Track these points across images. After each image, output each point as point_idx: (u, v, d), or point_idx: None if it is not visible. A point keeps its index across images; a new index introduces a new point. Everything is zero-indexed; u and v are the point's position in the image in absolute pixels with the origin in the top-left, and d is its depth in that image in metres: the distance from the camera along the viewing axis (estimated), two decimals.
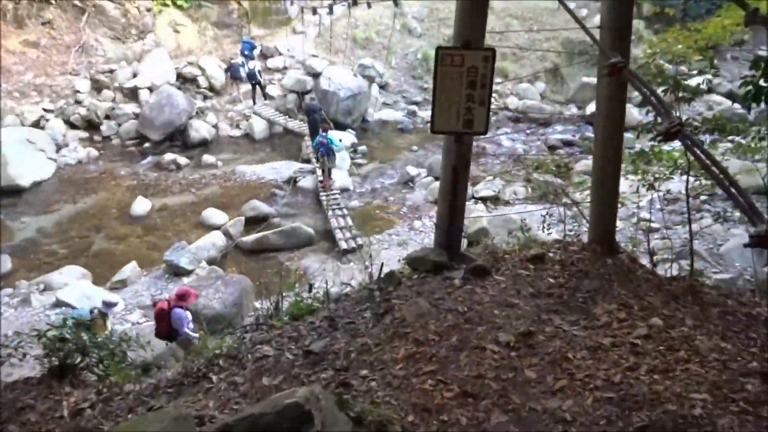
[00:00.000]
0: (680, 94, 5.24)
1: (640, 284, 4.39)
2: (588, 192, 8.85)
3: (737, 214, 12.05)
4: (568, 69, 23.57)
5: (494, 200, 14.52)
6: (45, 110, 18.05)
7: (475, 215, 12.57)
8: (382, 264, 4.70)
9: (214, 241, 11.96)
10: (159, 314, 7.20)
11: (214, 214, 13.28)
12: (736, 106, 20.31)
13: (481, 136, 4.17)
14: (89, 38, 20.71)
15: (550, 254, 4.62)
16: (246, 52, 20.53)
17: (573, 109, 21.87)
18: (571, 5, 26.26)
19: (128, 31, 21.38)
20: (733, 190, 1.86)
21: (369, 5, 10.56)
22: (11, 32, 20.11)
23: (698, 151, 2.01)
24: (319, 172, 14.92)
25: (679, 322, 3.96)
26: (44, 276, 10.85)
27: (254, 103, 19.73)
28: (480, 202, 14.09)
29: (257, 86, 19.67)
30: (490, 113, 3.97)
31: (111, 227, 13.23)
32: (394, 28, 23.10)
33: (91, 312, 7.82)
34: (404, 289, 4.13)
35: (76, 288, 10.07)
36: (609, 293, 4.13)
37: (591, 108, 20.72)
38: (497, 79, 24.27)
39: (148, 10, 21.67)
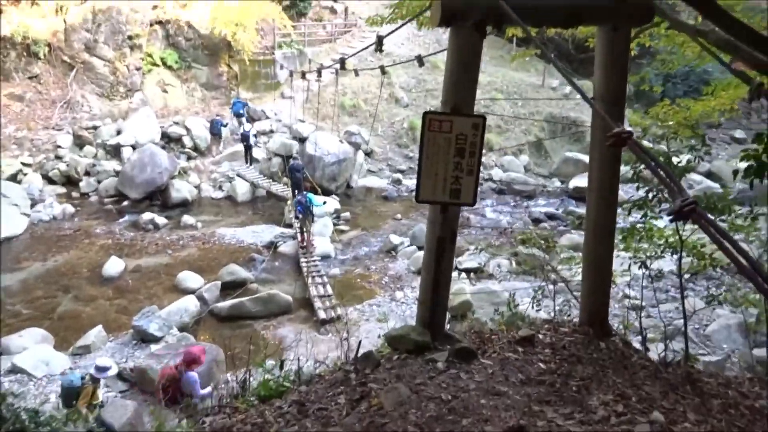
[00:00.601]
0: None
1: (636, 372, 4.07)
2: (577, 269, 8.63)
3: (726, 293, 11.92)
4: (551, 143, 23.94)
5: (478, 273, 14.24)
6: (23, 164, 17.74)
7: (459, 288, 12.24)
8: (360, 342, 4.33)
9: (187, 306, 11.46)
10: (169, 381, 6.93)
11: (189, 278, 12.82)
12: (715, 185, 20.65)
13: (466, 207, 3.97)
14: (76, 94, 20.69)
15: (540, 336, 4.30)
16: (240, 111, 20.74)
17: (556, 183, 22.02)
18: (554, 83, 26.98)
19: (116, 89, 21.42)
20: (753, 270, 1.61)
21: (356, 73, 10.61)
22: None
23: (714, 231, 1.76)
24: (297, 229, 14.72)
25: (681, 417, 3.63)
26: (3, 339, 10.21)
27: (248, 163, 19.65)
28: (464, 274, 13.79)
29: (249, 148, 19.64)
30: (477, 190, 3.73)
31: (80, 288, 12.68)
32: (381, 96, 23.42)
33: (83, 378, 7.32)
34: (383, 371, 3.76)
35: (34, 353, 9.47)
36: (604, 382, 3.80)
37: (574, 182, 20.89)
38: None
39: (138, 68, 21.81)
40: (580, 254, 9.79)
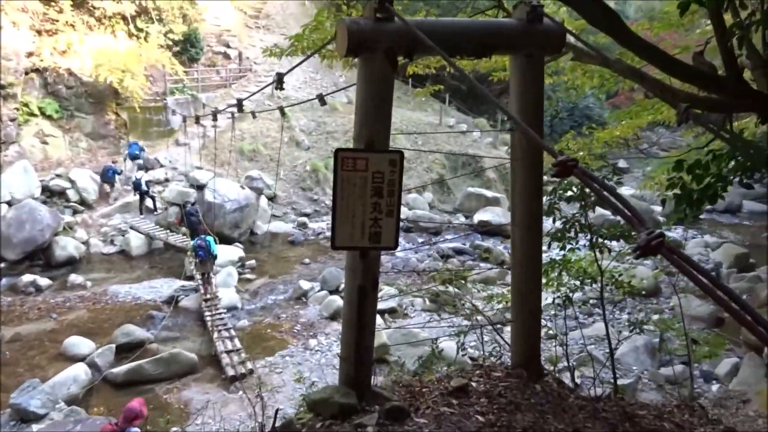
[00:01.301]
0: (583, 202, 5.05)
1: (576, 414, 3.85)
2: (498, 306, 8.52)
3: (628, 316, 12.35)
4: (453, 180, 24.41)
5: (393, 313, 13.96)
6: None
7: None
8: (277, 412, 3.84)
9: (76, 375, 10.27)
10: None
11: (78, 343, 11.60)
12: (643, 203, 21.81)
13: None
14: None
15: (473, 383, 4.00)
16: (136, 153, 19.77)
17: (461, 218, 22.38)
18: (450, 121, 27.76)
19: None
20: (727, 299, 1.43)
21: (254, 115, 10.17)
22: None
23: (684, 263, 1.55)
24: (199, 279, 13.93)
25: None
26: None
27: (142, 213, 18.80)
28: (377, 315, 13.42)
29: (144, 196, 18.74)
30: (399, 232, 3.43)
31: None
32: (282, 140, 23.04)
33: None
34: None
35: None
36: (546, 429, 3.54)
37: (478, 216, 21.32)
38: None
39: (12, 119, 20.12)
40: (497, 290, 9.72)
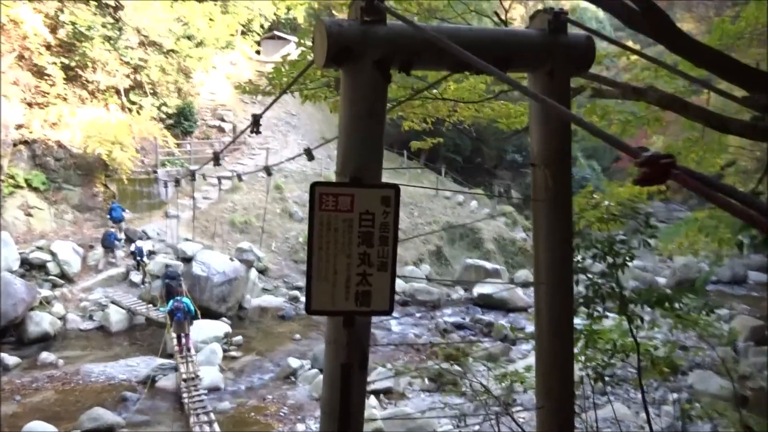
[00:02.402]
0: (612, 260, 4.31)
1: None
2: (503, 385, 7.59)
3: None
4: (451, 251, 23.74)
5: (387, 393, 12.88)
6: None
7: (368, 414, 10.79)
8: None
9: None
10: None
11: (39, 429, 10.45)
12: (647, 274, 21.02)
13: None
14: None
15: None
16: (120, 216, 19.62)
17: (460, 291, 21.50)
18: (447, 193, 27.34)
19: None
20: None
21: (240, 178, 9.65)
22: None
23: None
24: (178, 356, 13.10)
25: None
26: None
27: (144, 276, 18.22)
28: (372, 396, 12.36)
29: (141, 265, 18.20)
30: (395, 284, 2.66)
31: None
32: (275, 212, 22.49)
33: None
34: None
35: None
36: None
37: (478, 289, 20.45)
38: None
39: None
40: (511, 368, 8.78)
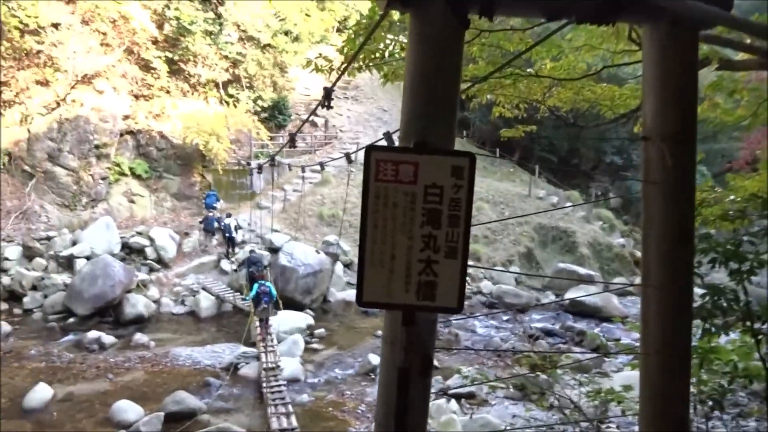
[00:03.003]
0: (737, 266, 3.60)
1: None
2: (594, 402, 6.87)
3: None
4: (543, 254, 22.70)
5: (470, 398, 12.30)
6: None
7: (448, 419, 10.32)
8: None
9: None
10: None
11: (126, 408, 10.74)
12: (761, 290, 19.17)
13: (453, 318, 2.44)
14: (33, 204, 19.33)
15: None
16: (213, 204, 20.20)
17: (550, 296, 20.46)
18: (540, 193, 26.24)
19: (78, 199, 20.16)
20: None
21: (322, 166, 9.43)
22: None
23: None
24: (261, 345, 13.12)
25: None
26: None
27: (230, 257, 18.96)
28: (453, 401, 11.83)
29: (231, 240, 19.00)
30: (465, 286, 2.19)
31: None
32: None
33: None
34: None
35: None
36: None
37: (570, 295, 19.37)
38: (468, 261, 23.10)
39: (104, 178, 20.70)
40: (606, 384, 8.01)
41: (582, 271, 21.09)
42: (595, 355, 15.49)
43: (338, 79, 3.97)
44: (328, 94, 4.07)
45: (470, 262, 2.12)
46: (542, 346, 15.82)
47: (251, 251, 17.27)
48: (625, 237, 25.67)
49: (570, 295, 19.69)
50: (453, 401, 11.89)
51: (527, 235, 22.91)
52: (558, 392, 8.95)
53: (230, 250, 19.15)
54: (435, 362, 14.15)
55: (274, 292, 13.75)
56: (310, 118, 29.47)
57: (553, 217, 23.63)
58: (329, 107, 4.05)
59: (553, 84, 5.21)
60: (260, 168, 10.52)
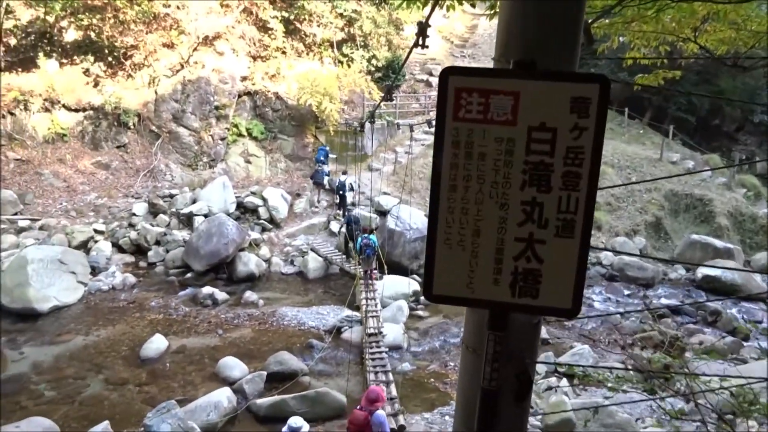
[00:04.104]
0: None
1: None
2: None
3: None
4: (673, 224, 20.67)
5: (583, 378, 11.36)
6: (96, 231, 17.09)
7: (558, 400, 9.54)
8: None
9: (219, 400, 9.50)
10: (361, 424, 7.01)
11: (232, 365, 10.98)
12: None
13: None
14: (159, 163, 20.34)
15: None
16: (322, 159, 20.13)
17: (680, 270, 18.60)
18: (673, 157, 23.85)
19: (199, 158, 20.96)
20: None
21: (429, 124, 8.78)
22: (86, 153, 20.12)
23: None
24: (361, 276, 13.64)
25: None
26: (4, 428, 8.69)
27: (342, 215, 18.88)
28: (564, 379, 10.98)
29: (343, 198, 18.96)
30: (585, 277, 1.46)
31: (114, 369, 11.16)
32: None
33: None
34: None
35: None
36: None
37: (703, 270, 17.48)
38: None
39: (222, 139, 21.31)
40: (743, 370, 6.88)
41: (719, 243, 18.94)
42: (729, 337, 13.89)
43: (431, 12, 3.30)
44: (422, 29, 3.41)
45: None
46: (668, 325, 14.40)
47: (349, 210, 17.52)
48: None
49: (704, 270, 17.75)
50: (564, 380, 11.05)
51: (656, 203, 20.91)
52: (686, 378, 7.89)
53: (341, 210, 19.09)
54: (545, 334, 13.29)
55: (376, 242, 14.14)
56: (425, 78, 28.69)
57: (688, 183, 21.38)
58: (425, 46, 3.41)
59: (708, 16, 4.16)
60: (362, 126, 10.09)
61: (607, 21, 4.20)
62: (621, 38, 4.88)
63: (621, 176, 21.79)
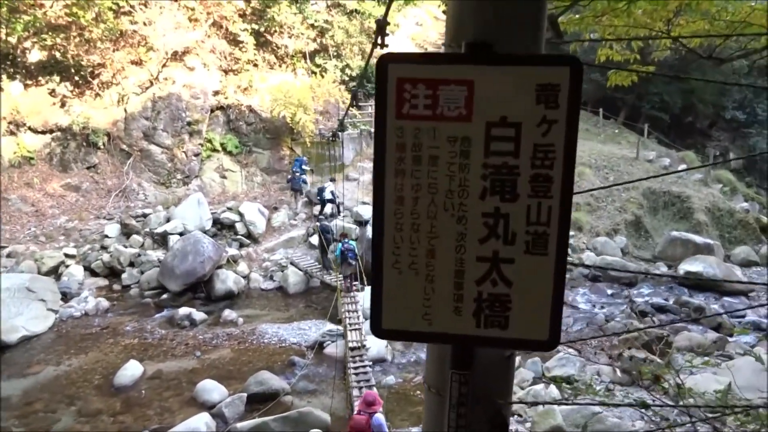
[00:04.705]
0: None
1: None
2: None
3: None
4: (653, 222, 20.70)
5: (570, 383, 11.16)
6: (67, 255, 16.60)
7: (546, 407, 9.32)
8: None
9: (197, 427, 9.12)
10: (363, 428, 7.10)
11: (211, 388, 10.59)
12: None
13: None
14: (132, 182, 19.88)
15: None
16: (298, 170, 20.02)
17: (662, 267, 18.60)
18: (649, 155, 23.97)
19: (173, 176, 20.53)
20: None
21: None
22: (55, 175, 19.59)
23: None
24: (347, 318, 12.73)
25: None
26: None
27: (320, 214, 18.89)
28: (552, 385, 10.77)
29: (323, 204, 18.90)
30: (562, 301, 1.21)
31: (86, 399, 10.71)
32: None
33: None
34: None
35: None
36: None
37: (685, 266, 17.51)
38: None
39: (196, 155, 20.93)
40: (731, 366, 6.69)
41: (698, 239, 18.98)
42: (714, 333, 13.83)
43: (388, 7, 3.06)
44: (381, 27, 3.17)
45: (571, 236, 1.20)
46: (653, 323, 14.32)
47: (320, 220, 17.66)
48: (749, 201, 22.95)
49: (685, 266, 17.75)
50: (552, 387, 10.84)
51: (635, 202, 20.93)
52: (672, 376, 7.70)
53: (321, 214, 18.91)
54: None
55: (356, 248, 14.16)
56: None
57: (665, 180, 21.43)
58: (384, 45, 3.17)
59: (680, 9, 3.99)
60: (335, 135, 9.89)
61: (576, 16, 4.03)
62: (592, 34, 4.71)
63: (599, 176, 21.80)
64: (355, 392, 10.21)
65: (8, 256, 16.20)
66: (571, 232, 19.60)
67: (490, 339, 1.19)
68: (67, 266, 16.31)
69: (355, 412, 7.50)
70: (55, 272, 15.92)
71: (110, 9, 20.00)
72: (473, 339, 1.20)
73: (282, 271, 16.96)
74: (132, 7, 20.39)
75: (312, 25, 23.37)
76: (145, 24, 20.50)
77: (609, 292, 17.04)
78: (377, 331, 1.24)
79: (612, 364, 11.79)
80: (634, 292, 17.06)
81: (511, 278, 1.16)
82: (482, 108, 1.10)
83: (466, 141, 1.12)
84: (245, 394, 10.34)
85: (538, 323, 1.17)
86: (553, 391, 10.71)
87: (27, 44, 19.90)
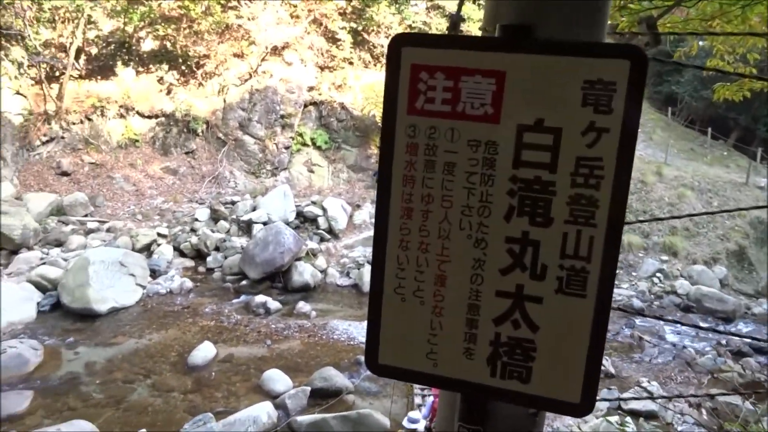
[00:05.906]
0: None
1: None
2: None
3: None
4: (759, 254, 19.08)
5: (650, 418, 10.46)
6: (159, 235, 17.41)
7: None
8: None
9: (258, 415, 9.23)
10: None
11: (276, 378, 10.71)
12: None
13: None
14: (224, 170, 20.61)
15: None
16: None
17: (765, 305, 17.08)
18: (761, 181, 22.13)
19: (263, 167, 21.09)
20: None
21: None
22: (156, 158, 20.65)
23: None
24: None
25: None
26: (44, 429, 8.74)
27: None
28: (629, 418, 10.10)
29: None
30: (602, 356, 0.96)
31: (161, 374, 11.13)
32: None
33: None
34: None
35: None
36: None
37: None
38: (663, 257, 20.35)
39: (287, 147, 21.39)
40: None
41: None
42: None
43: (461, 3, 2.86)
44: (454, 23, 2.98)
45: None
46: (750, 365, 13.14)
47: None
48: None
49: None
50: (628, 419, 10.16)
51: (740, 230, 19.37)
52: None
53: None
54: (609, 367, 12.38)
55: None
56: None
57: None
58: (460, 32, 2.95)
59: None
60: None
61: (681, 18, 3.62)
62: (701, 42, 4.26)
63: (701, 200, 20.38)
64: (418, 400, 10.01)
65: (108, 230, 17.22)
66: (665, 257, 18.44)
67: (507, 392, 0.97)
68: (158, 245, 17.10)
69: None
70: (147, 249, 16.73)
71: (219, 3, 20.88)
72: (486, 389, 0.98)
73: (358, 269, 16.99)
74: (238, 1, 21.16)
75: (410, 26, 23.33)
76: (249, 18, 21.21)
77: (702, 325, 15.83)
78: (372, 365, 1.04)
79: (696, 405, 10.90)
80: (731, 328, 15.78)
81: (538, 321, 0.94)
82: (513, 107, 0.89)
83: (492, 147, 0.91)
84: (309, 388, 10.37)
85: (568, 381, 0.94)
86: (630, 423, 10.06)
87: (141, 34, 21.11)
